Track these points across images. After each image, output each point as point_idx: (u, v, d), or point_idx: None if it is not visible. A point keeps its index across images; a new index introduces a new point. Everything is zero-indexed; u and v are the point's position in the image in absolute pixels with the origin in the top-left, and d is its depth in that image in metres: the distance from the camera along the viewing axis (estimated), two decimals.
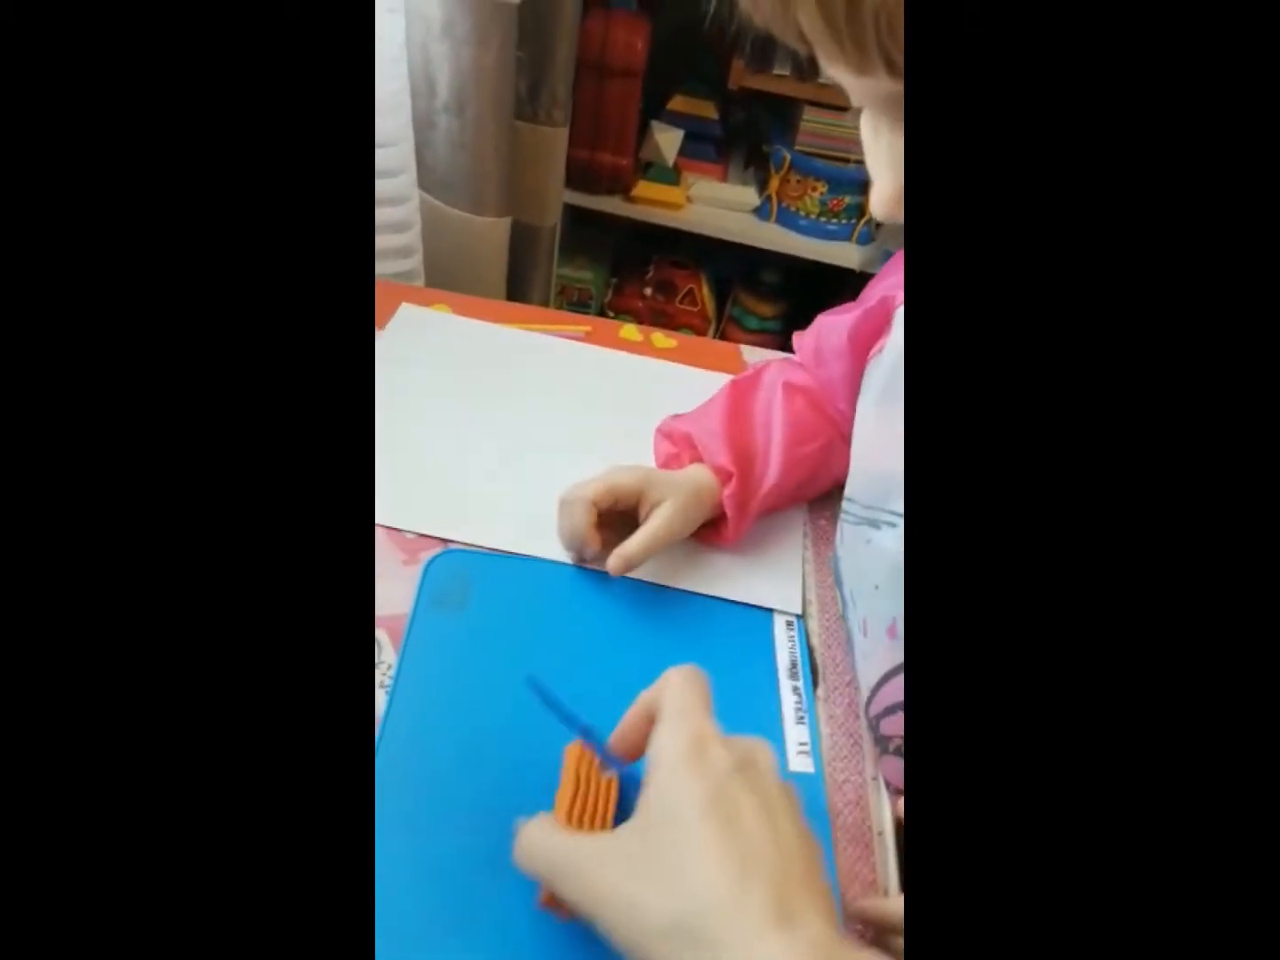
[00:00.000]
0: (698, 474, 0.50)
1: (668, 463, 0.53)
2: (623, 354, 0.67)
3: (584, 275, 1.40)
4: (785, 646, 0.48)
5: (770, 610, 0.49)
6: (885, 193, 0.30)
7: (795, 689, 0.46)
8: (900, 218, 0.29)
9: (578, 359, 0.66)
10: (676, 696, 0.32)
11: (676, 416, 0.54)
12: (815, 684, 0.46)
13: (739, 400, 0.53)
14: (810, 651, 0.48)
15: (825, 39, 0.25)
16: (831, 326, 0.52)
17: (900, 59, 0.24)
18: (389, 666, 0.43)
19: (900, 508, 0.40)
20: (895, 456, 0.39)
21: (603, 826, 0.35)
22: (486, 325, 0.67)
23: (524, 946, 0.34)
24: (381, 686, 0.42)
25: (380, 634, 0.44)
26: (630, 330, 0.70)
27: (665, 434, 0.54)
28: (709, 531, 0.51)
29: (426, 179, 0.80)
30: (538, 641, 0.44)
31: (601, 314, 1.41)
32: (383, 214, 0.74)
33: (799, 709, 0.45)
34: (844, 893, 0.38)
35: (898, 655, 0.39)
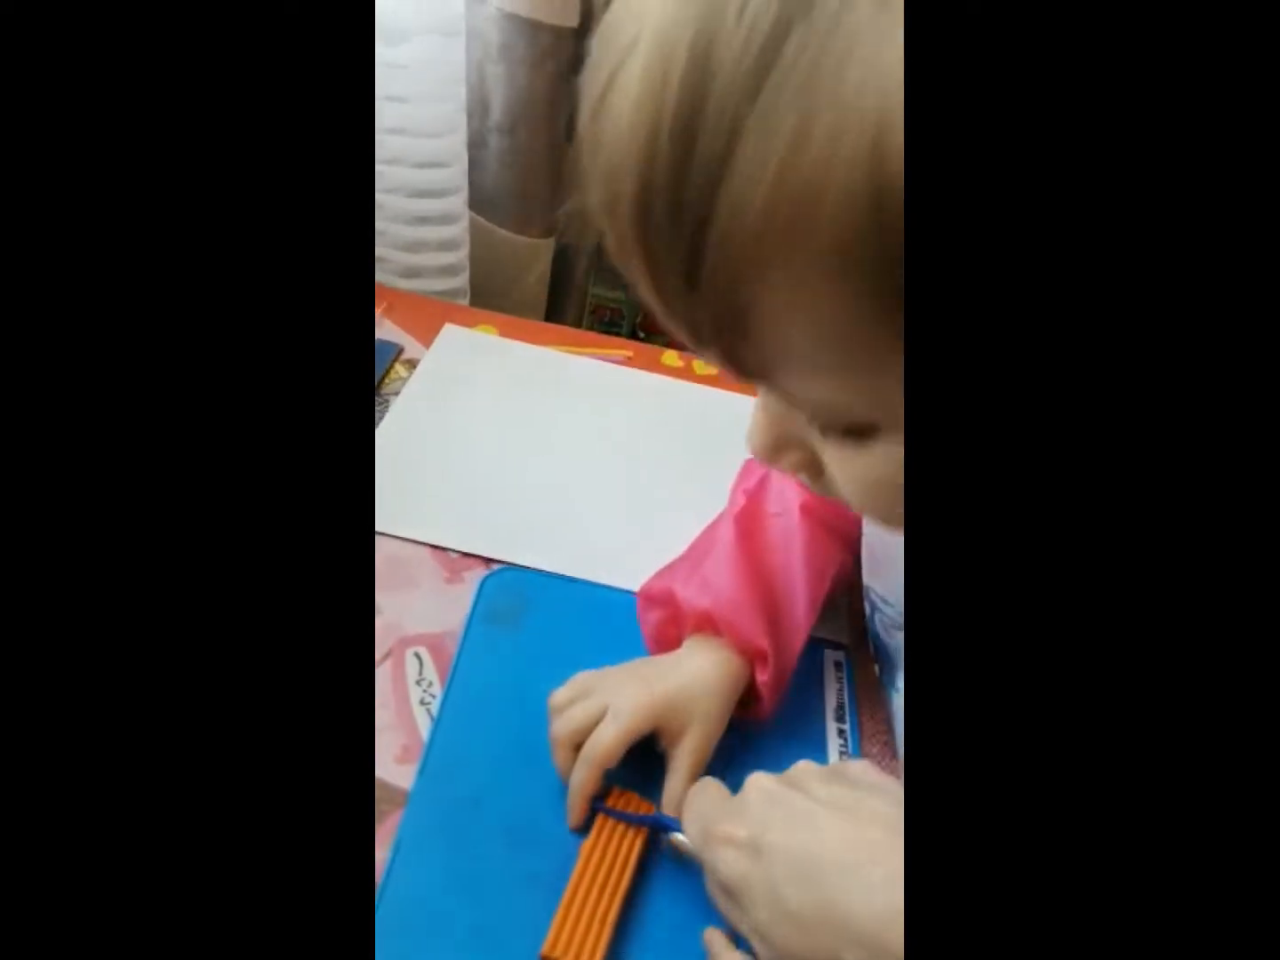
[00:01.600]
0: (714, 664, 0.39)
1: (660, 633, 0.43)
2: (666, 378, 0.66)
3: (616, 295, 1.41)
4: (834, 688, 0.47)
5: (821, 644, 0.48)
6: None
7: (841, 731, 0.45)
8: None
9: (622, 383, 0.65)
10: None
11: (671, 577, 0.43)
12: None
13: (752, 549, 0.43)
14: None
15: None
16: None
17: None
18: (430, 684, 0.42)
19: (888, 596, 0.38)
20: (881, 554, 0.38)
21: (621, 873, 0.36)
22: (530, 347, 0.67)
23: None
24: (422, 704, 0.41)
25: (421, 650, 0.43)
26: (671, 356, 0.70)
27: (659, 600, 0.43)
28: (736, 709, 0.41)
29: (474, 197, 0.80)
30: (590, 665, 0.44)
31: (633, 334, 1.41)
32: (433, 232, 0.75)
33: (843, 751, 0.44)
34: None
35: None
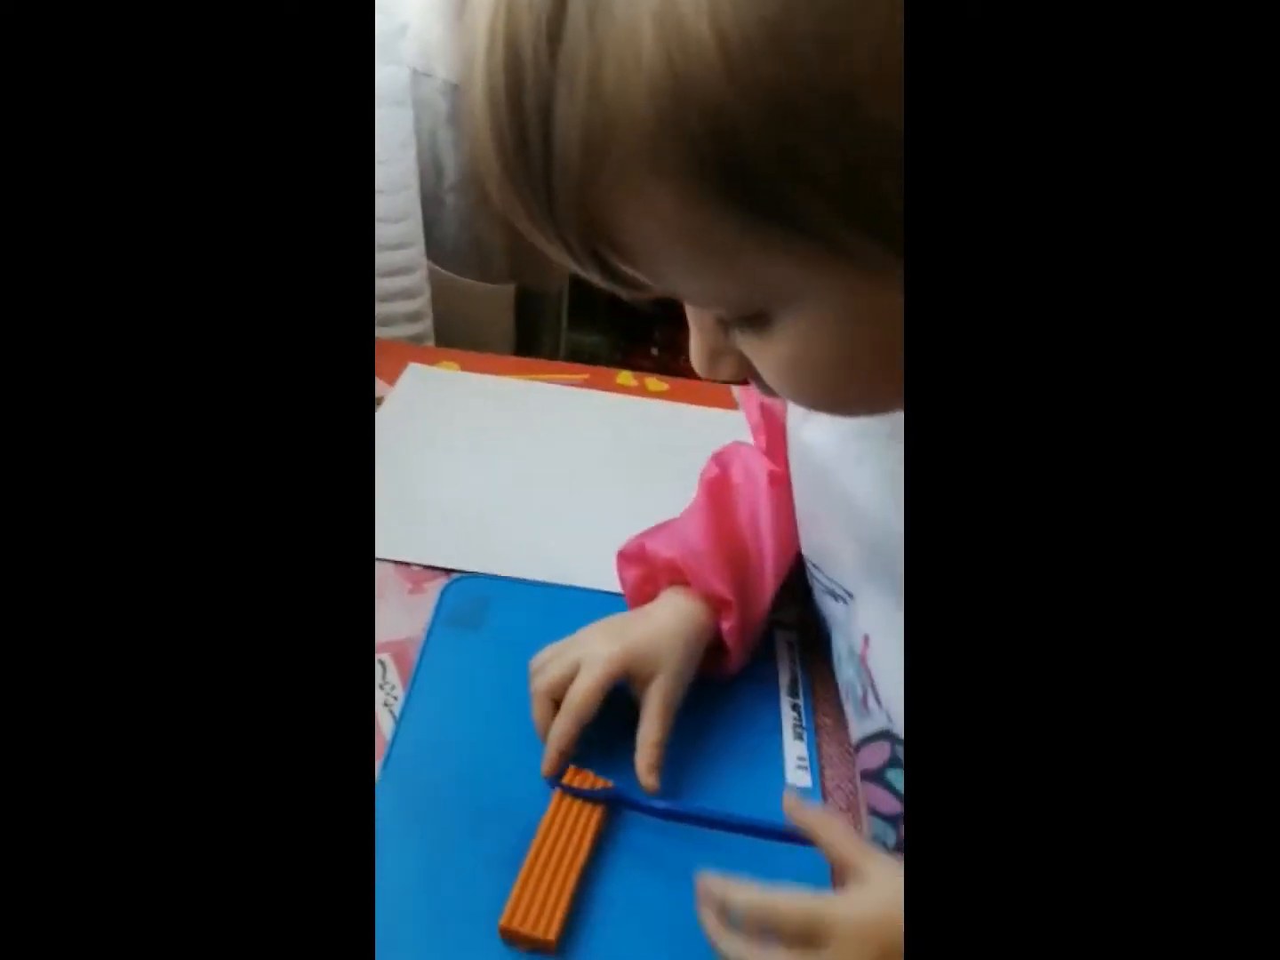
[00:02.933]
0: (680, 614, 0.42)
1: (637, 590, 0.45)
2: (621, 396, 0.70)
3: (593, 339, 1.46)
4: (786, 664, 0.48)
5: (774, 626, 0.50)
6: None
7: (794, 705, 0.46)
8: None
9: (578, 403, 0.69)
10: None
11: (644, 535, 0.45)
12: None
13: (720, 507, 0.45)
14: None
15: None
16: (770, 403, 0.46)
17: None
18: (393, 687, 0.44)
19: (848, 584, 0.40)
20: (832, 532, 0.40)
21: (579, 848, 0.37)
22: (491, 377, 0.70)
23: None
24: (385, 706, 0.43)
25: (384, 657, 0.45)
26: (625, 376, 0.73)
27: (633, 557, 0.45)
28: (706, 661, 0.43)
29: (436, 252, 0.85)
30: None
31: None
32: (393, 283, 0.80)
33: (797, 725, 0.45)
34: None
35: (870, 725, 0.39)
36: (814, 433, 0.39)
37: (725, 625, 0.42)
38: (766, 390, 0.28)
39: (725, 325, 0.27)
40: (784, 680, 0.48)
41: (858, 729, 0.41)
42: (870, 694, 0.39)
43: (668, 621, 0.42)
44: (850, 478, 0.36)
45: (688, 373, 0.31)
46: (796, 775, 0.43)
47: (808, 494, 0.42)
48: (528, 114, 0.21)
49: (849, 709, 0.43)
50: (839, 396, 0.27)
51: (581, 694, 0.39)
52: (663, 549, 0.44)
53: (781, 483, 0.45)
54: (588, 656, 0.40)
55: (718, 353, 0.28)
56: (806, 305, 0.23)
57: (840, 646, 0.43)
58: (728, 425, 0.59)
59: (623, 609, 0.46)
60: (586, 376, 0.72)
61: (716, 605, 0.43)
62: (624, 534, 0.47)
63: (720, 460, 0.48)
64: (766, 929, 0.31)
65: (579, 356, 1.46)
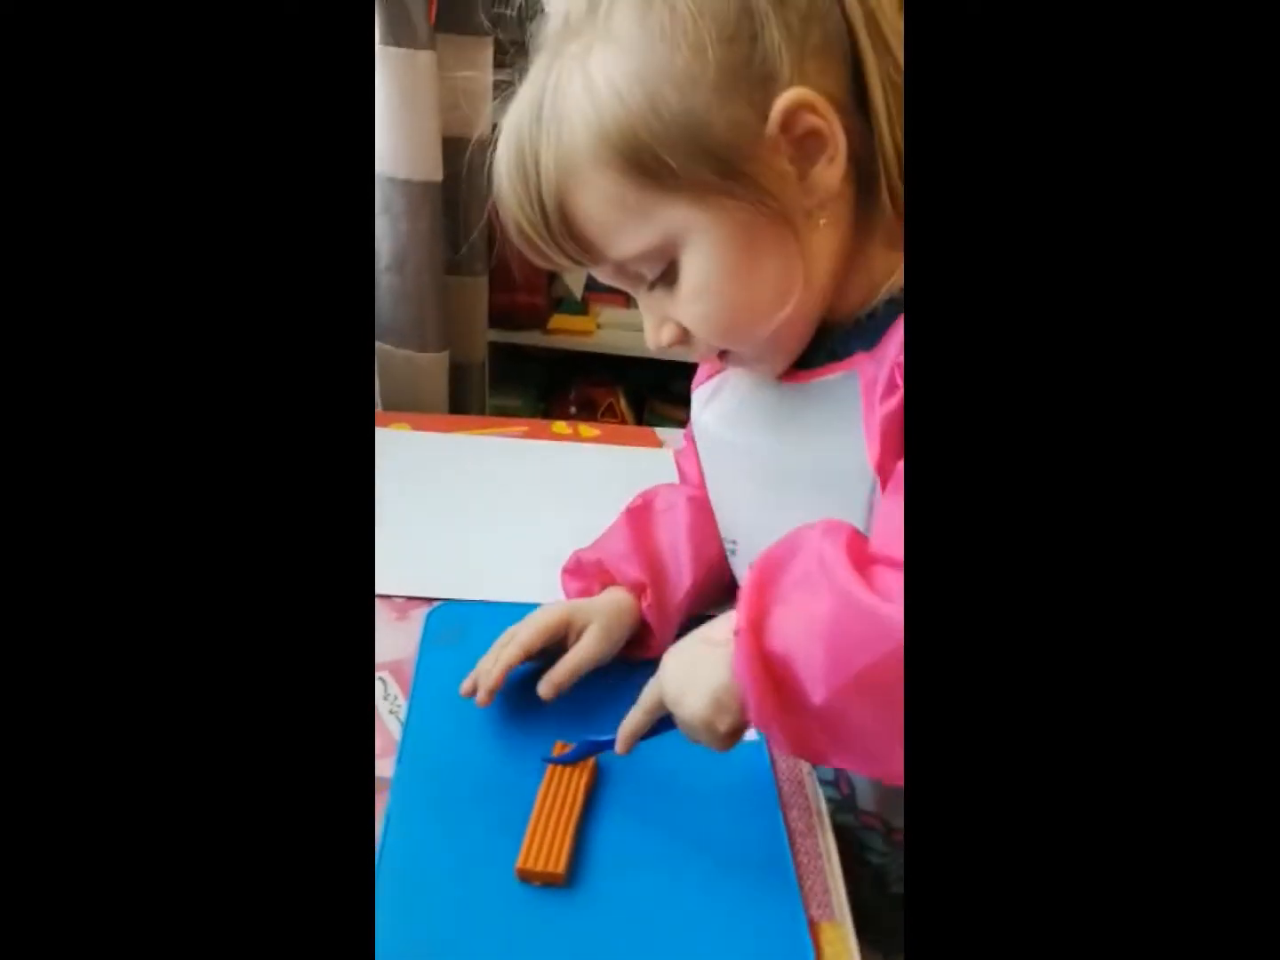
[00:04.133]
0: (614, 595, 0.52)
1: (579, 597, 0.54)
2: (557, 443, 0.79)
3: (514, 403, 1.55)
4: None
5: (705, 617, 0.59)
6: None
7: None
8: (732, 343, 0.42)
9: (521, 451, 0.78)
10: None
11: (580, 552, 0.55)
12: None
13: (639, 523, 0.56)
14: None
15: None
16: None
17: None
18: (396, 698, 0.51)
19: (738, 533, 0.51)
20: (730, 489, 0.51)
21: (572, 808, 0.45)
22: (440, 435, 0.79)
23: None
24: (391, 714, 0.50)
25: (384, 674, 0.53)
26: (560, 426, 0.83)
27: (571, 571, 0.55)
28: (637, 648, 0.52)
29: (377, 328, 0.94)
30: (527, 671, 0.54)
31: None
32: None
33: None
34: (795, 854, 0.44)
35: None
36: (709, 414, 0.52)
37: (644, 604, 0.52)
38: (700, 354, 0.44)
39: (655, 289, 0.41)
40: None
41: None
42: None
43: (600, 600, 0.52)
44: (734, 429, 0.49)
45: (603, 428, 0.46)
46: None
47: (713, 467, 0.53)
48: (527, 166, 0.38)
49: None
50: (738, 318, 0.40)
51: (526, 626, 0.50)
52: (589, 555, 0.55)
53: (700, 504, 0.55)
54: (537, 612, 0.51)
55: (659, 322, 0.42)
56: (698, 240, 0.38)
57: None
58: (654, 461, 0.70)
59: None
60: (525, 429, 0.82)
61: (636, 590, 0.52)
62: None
63: (645, 494, 0.59)
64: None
65: (504, 416, 1.55)
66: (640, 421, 1.63)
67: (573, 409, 1.56)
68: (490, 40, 0.90)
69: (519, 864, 0.42)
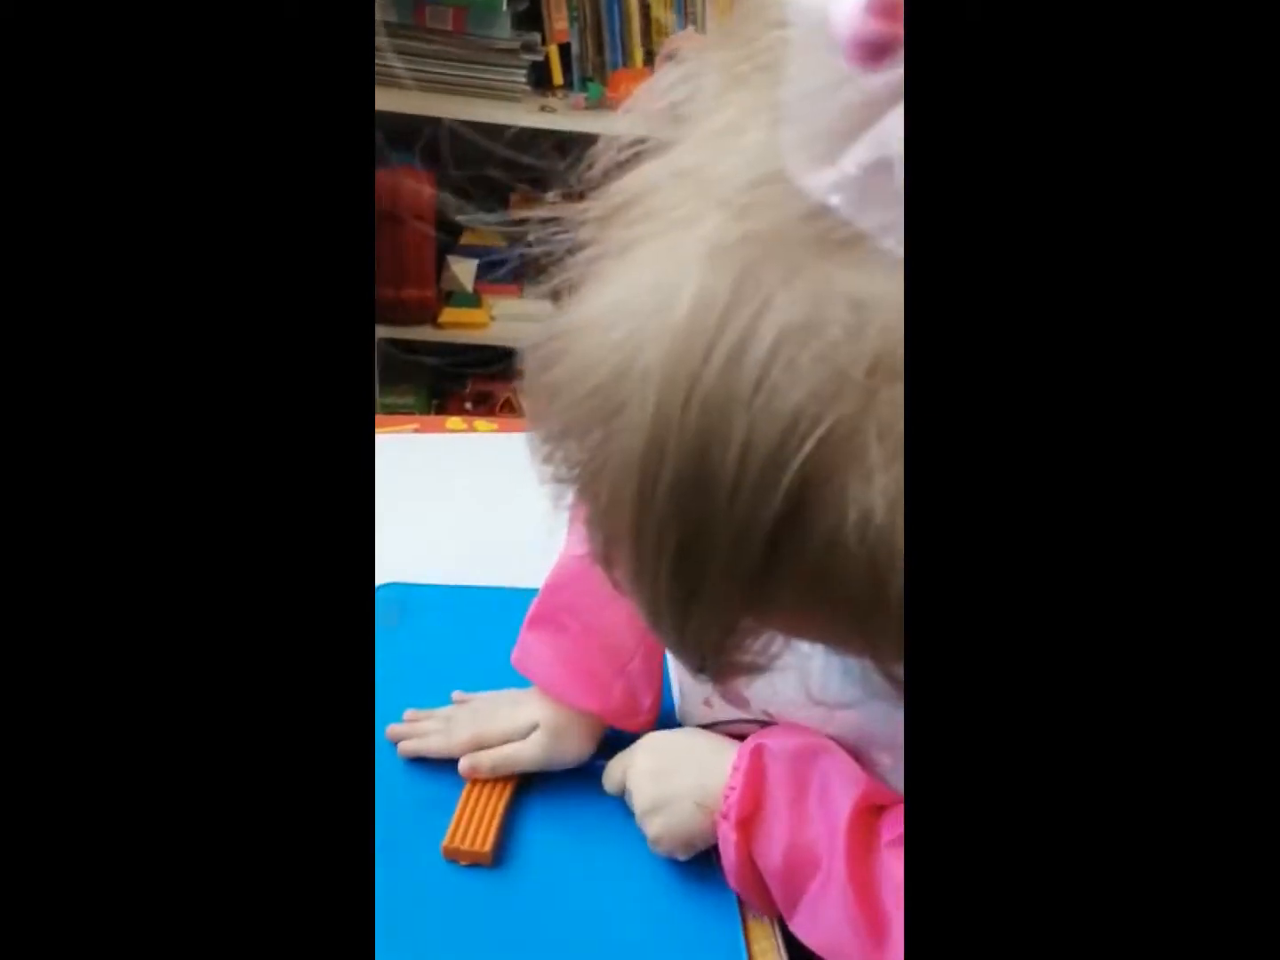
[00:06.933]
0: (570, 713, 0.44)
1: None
2: (453, 435, 0.76)
3: (406, 400, 1.49)
4: None
5: None
6: None
7: None
8: None
9: (418, 446, 0.74)
10: None
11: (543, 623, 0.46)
12: None
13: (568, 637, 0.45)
14: None
15: None
16: None
17: None
18: None
19: None
20: None
21: (503, 790, 0.43)
22: None
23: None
24: None
25: None
26: (455, 421, 0.80)
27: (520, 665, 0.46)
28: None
29: None
30: (452, 636, 0.53)
31: None
32: None
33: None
34: None
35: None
36: None
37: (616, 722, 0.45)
38: None
39: None
40: None
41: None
42: None
43: (557, 711, 0.44)
44: None
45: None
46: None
47: None
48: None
49: None
50: None
51: (489, 725, 0.45)
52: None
53: None
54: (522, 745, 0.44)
55: None
56: None
57: None
58: None
59: (484, 598, 0.54)
60: (416, 425, 0.78)
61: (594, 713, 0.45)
62: (481, 538, 0.56)
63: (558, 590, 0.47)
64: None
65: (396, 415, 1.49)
66: None
67: (468, 404, 1.52)
68: None
69: (445, 843, 0.41)
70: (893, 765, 0.36)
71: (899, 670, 0.20)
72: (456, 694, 0.48)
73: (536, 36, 1.35)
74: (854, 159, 0.16)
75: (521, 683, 0.46)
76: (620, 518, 0.19)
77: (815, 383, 0.16)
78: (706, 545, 0.18)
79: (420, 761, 0.45)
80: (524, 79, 1.32)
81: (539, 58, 1.35)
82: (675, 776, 0.40)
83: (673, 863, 0.41)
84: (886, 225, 0.16)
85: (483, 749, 0.44)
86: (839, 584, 0.18)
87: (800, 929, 0.37)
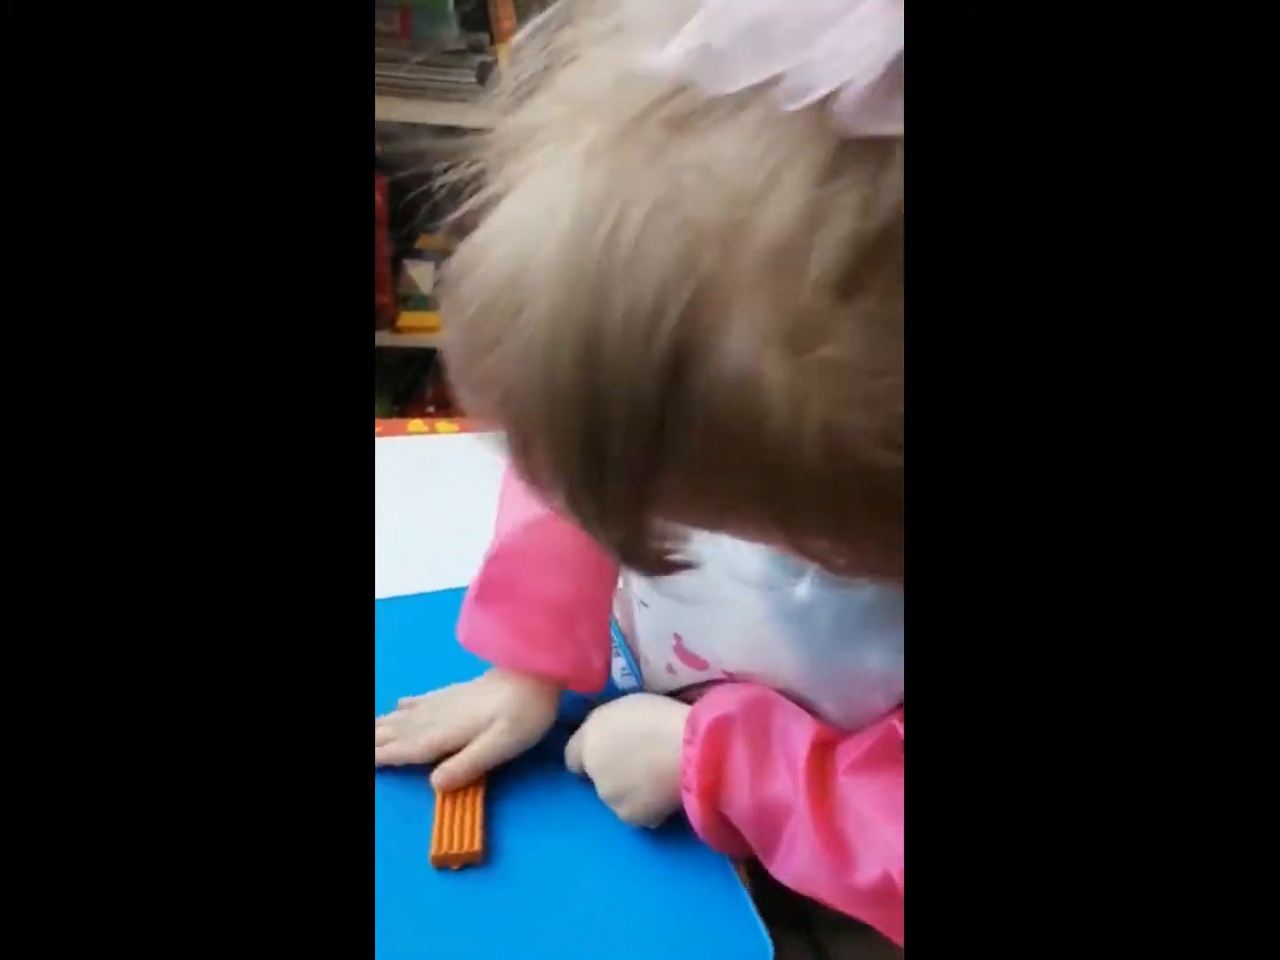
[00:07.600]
0: (522, 687, 0.45)
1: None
2: (415, 437, 0.76)
3: None
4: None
5: None
6: None
7: (621, 669, 0.55)
8: None
9: (380, 450, 0.73)
10: None
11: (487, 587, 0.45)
12: None
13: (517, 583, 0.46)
14: None
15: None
16: None
17: None
18: None
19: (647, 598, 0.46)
20: None
21: (476, 785, 0.43)
22: None
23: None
24: None
25: None
26: (417, 424, 0.79)
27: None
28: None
29: None
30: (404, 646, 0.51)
31: None
32: None
33: (625, 671, 0.54)
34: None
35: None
36: None
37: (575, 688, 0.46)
38: None
39: None
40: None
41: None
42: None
43: (506, 693, 0.45)
44: None
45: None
46: (624, 681, 0.52)
47: None
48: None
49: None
50: None
51: (444, 723, 0.44)
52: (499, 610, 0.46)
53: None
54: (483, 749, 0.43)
55: None
56: None
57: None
58: None
59: (425, 606, 0.52)
60: (379, 429, 0.77)
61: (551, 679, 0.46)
62: (445, 541, 0.53)
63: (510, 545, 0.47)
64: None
65: None
66: None
67: (430, 409, 1.50)
68: None
69: (434, 851, 0.40)
70: (840, 715, 0.37)
71: (814, 545, 0.21)
72: (403, 700, 0.47)
73: (484, 36, 1.34)
74: (691, 29, 0.18)
75: (470, 676, 0.46)
76: (533, 412, 0.20)
77: (678, 248, 0.18)
78: (607, 415, 0.19)
79: (394, 769, 0.44)
80: (473, 79, 1.31)
81: (488, 58, 1.34)
82: (627, 760, 0.41)
83: (664, 834, 0.42)
84: (728, 75, 0.17)
85: (447, 753, 0.44)
86: (731, 444, 0.19)
87: (780, 871, 0.37)
